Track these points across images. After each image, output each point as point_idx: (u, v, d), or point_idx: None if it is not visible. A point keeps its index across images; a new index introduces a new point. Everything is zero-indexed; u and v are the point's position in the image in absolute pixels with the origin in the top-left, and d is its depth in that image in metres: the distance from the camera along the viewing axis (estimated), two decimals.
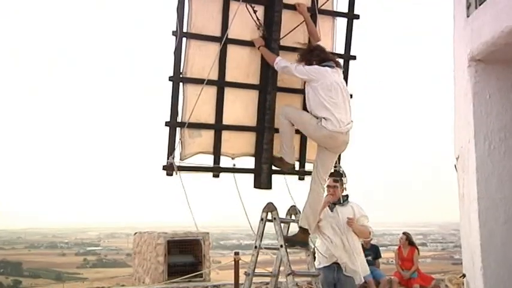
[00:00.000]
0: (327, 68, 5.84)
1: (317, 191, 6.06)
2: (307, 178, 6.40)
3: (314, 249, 6.79)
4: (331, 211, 6.89)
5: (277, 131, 6.26)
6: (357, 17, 6.81)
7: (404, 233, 12.13)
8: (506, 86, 4.95)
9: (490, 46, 4.64)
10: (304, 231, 6.09)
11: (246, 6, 6.15)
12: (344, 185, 6.94)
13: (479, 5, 4.78)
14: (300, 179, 6.59)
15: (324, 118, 5.70)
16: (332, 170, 6.48)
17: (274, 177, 6.36)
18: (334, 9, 6.84)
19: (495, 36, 4.50)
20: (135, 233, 13.46)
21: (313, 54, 5.99)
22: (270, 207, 5.97)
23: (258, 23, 6.24)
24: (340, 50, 6.80)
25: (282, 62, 5.97)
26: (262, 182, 6.23)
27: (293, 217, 6.25)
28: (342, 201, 6.91)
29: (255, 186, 6.30)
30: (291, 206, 6.31)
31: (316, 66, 5.83)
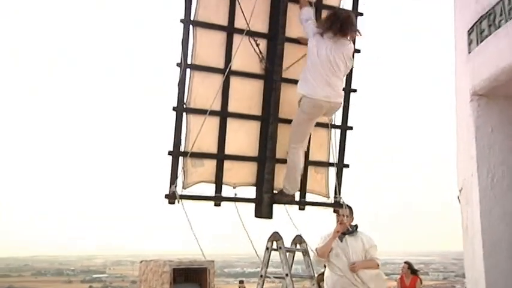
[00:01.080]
0: (329, 41, 5.93)
1: (298, 159, 6.27)
2: (308, 208, 6.55)
3: (319, 277, 6.79)
4: (341, 241, 6.79)
5: (278, 161, 6.31)
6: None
7: (406, 262, 12.16)
8: (509, 120, 4.91)
9: (492, 82, 4.61)
10: (289, 197, 6.33)
11: (249, 39, 6.24)
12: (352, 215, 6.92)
13: (481, 42, 4.77)
14: (300, 209, 6.59)
15: (304, 95, 5.94)
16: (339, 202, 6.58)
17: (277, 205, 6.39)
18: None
19: (497, 72, 4.48)
20: (141, 261, 13.40)
21: (334, 20, 6.02)
22: (275, 237, 6.06)
23: (260, 55, 6.33)
24: None
25: (305, 14, 6.15)
26: (263, 211, 6.27)
27: (298, 246, 6.28)
28: (351, 231, 6.83)
29: (256, 216, 6.34)
30: (296, 236, 6.37)
31: (319, 38, 5.92)
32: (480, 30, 4.77)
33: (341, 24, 5.98)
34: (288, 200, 6.39)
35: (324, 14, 6.47)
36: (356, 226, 6.92)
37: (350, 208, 6.80)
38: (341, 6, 6.71)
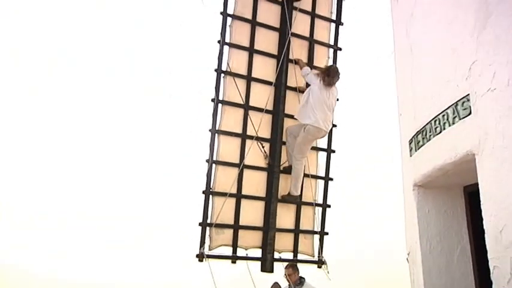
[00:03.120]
0: (322, 82, 6.39)
1: (301, 166, 6.58)
2: (299, 264, 6.60)
3: None
4: None
5: (277, 230, 6.43)
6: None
7: None
8: (439, 204, 5.03)
9: (427, 177, 4.78)
10: (293, 198, 6.57)
11: (257, 143, 6.46)
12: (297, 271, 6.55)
13: (417, 149, 4.97)
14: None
15: (306, 124, 6.33)
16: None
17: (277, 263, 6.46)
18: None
19: (429, 171, 4.67)
20: None
21: (326, 74, 6.47)
22: (276, 286, 6.16)
23: (265, 154, 6.52)
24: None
25: (305, 71, 6.61)
26: (267, 267, 6.36)
27: None
28: (299, 283, 6.47)
29: (261, 270, 6.37)
30: (274, 283, 6.32)
31: (317, 82, 6.40)
32: (417, 141, 5.01)
33: (332, 77, 6.45)
34: (294, 200, 6.61)
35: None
36: (303, 278, 6.49)
37: (294, 266, 6.56)
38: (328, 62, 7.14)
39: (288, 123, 6.72)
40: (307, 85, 6.60)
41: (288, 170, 6.67)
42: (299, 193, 6.64)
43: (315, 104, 6.35)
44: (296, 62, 6.81)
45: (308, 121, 6.35)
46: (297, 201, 6.67)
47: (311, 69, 6.74)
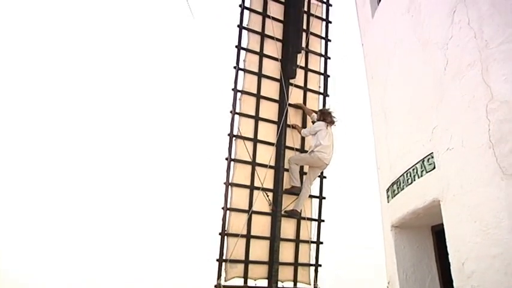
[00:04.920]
0: (324, 124, 6.59)
1: (307, 189, 6.67)
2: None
3: None
4: None
5: (280, 264, 6.37)
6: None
7: None
8: (412, 241, 5.11)
9: (401, 220, 4.89)
10: (297, 212, 6.57)
11: (263, 192, 6.48)
12: None
13: (393, 197, 5.07)
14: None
15: (313, 151, 6.48)
16: None
17: None
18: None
19: (403, 215, 4.78)
20: None
21: (324, 116, 6.68)
22: None
23: (269, 202, 6.53)
24: None
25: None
26: None
27: None
28: None
29: None
30: None
31: (319, 124, 6.60)
32: (393, 190, 5.10)
33: (329, 119, 6.69)
34: (298, 189, 6.66)
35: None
36: None
37: None
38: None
39: (287, 176, 6.79)
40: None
41: (288, 214, 6.68)
42: (299, 184, 6.69)
43: (322, 141, 6.55)
44: (293, 126, 6.98)
45: (317, 152, 6.53)
46: (297, 192, 6.70)
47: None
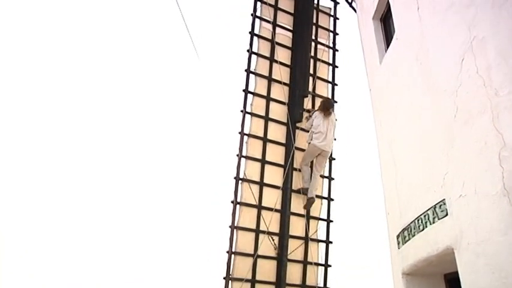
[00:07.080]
0: (320, 113, 6.75)
1: (316, 178, 6.85)
2: None
3: None
4: None
5: (287, 284, 6.30)
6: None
7: None
8: (423, 285, 5.06)
9: (413, 267, 4.85)
10: (312, 200, 6.73)
11: (268, 237, 6.43)
12: None
13: (404, 243, 5.04)
14: None
15: (309, 142, 6.69)
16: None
17: None
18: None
19: (415, 261, 4.75)
20: None
21: (324, 106, 6.80)
22: None
23: (275, 246, 6.47)
24: None
25: (306, 126, 6.95)
26: None
27: None
28: None
29: None
30: None
31: (315, 114, 6.81)
32: (403, 236, 5.07)
33: (327, 108, 6.80)
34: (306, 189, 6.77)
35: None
36: None
37: None
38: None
39: (293, 220, 6.75)
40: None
41: (292, 259, 6.60)
42: (308, 186, 6.78)
43: (317, 132, 6.73)
44: (307, 110, 7.25)
45: (313, 142, 6.71)
46: (305, 193, 6.82)
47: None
